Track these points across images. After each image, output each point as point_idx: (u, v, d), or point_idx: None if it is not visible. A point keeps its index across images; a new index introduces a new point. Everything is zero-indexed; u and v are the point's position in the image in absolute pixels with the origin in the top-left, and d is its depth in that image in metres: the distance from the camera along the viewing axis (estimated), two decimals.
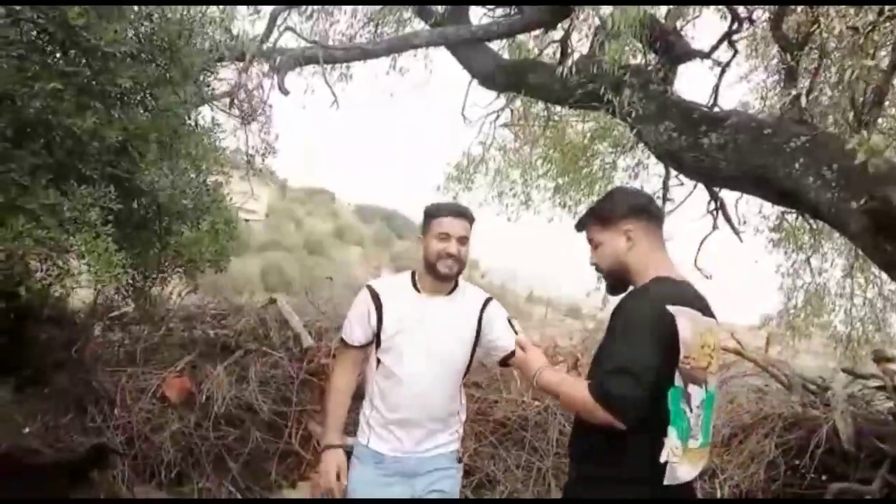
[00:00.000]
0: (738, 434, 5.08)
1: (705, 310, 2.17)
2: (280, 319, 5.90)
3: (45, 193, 2.19)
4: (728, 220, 6.94)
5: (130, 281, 3.50)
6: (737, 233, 6.97)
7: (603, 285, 2.54)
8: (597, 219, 2.35)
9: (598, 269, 2.37)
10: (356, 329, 2.83)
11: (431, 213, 2.80)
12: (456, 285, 2.82)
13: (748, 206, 6.93)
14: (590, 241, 2.37)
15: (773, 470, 4.69)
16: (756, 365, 5.59)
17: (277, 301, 6.06)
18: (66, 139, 2.30)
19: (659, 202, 7.40)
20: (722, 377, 5.97)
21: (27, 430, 4.26)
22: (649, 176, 7.60)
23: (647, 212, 2.33)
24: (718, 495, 4.67)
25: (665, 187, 7.22)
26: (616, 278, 2.32)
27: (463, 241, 2.73)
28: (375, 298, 2.79)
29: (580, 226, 2.43)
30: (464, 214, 2.80)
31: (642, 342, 2.01)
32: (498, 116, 7.97)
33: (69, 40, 2.24)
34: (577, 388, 2.09)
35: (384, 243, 37.80)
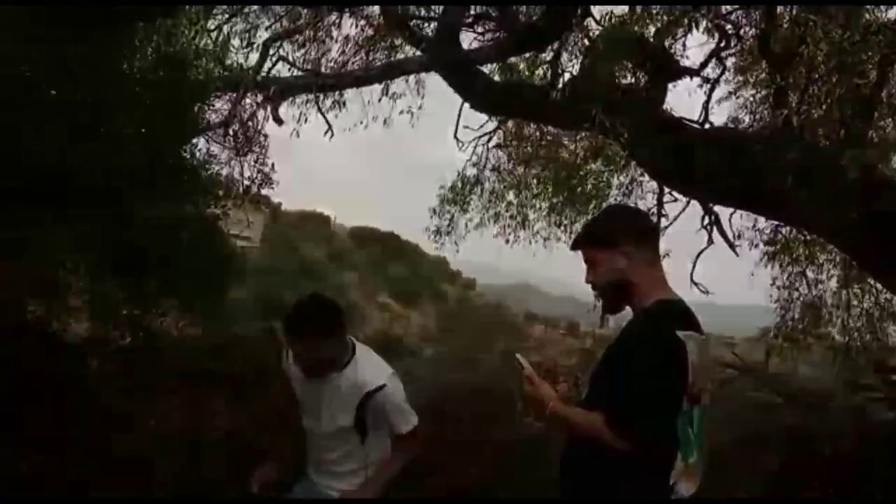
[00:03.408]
0: (738, 449, 5.05)
1: (699, 328, 2.17)
2: (279, 349, 5.87)
3: (41, 232, 2.19)
4: (723, 234, 6.97)
5: (130, 314, 3.49)
6: (732, 247, 7.00)
7: (599, 304, 2.50)
8: (594, 238, 2.31)
9: (594, 288, 2.33)
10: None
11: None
12: (353, 356, 2.78)
13: (742, 221, 6.97)
14: (586, 260, 2.32)
15: (776, 484, 4.66)
16: (757, 379, 5.58)
17: (276, 331, 6.03)
18: (62, 177, 2.31)
19: (654, 218, 7.47)
20: (724, 393, 5.98)
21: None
22: (643, 193, 7.66)
23: (644, 230, 2.32)
24: None
25: (659, 203, 7.26)
26: (614, 297, 2.29)
27: (308, 352, 2.66)
28: (286, 355, 2.89)
29: (576, 245, 2.41)
30: (300, 333, 2.66)
31: (660, 372, 2.00)
32: (490, 138, 8.03)
33: (66, 78, 2.25)
34: (593, 422, 2.07)
35: (380, 267, 37.71)
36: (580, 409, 2.22)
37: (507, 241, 8.19)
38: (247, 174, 4.68)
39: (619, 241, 2.25)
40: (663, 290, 2.22)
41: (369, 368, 2.75)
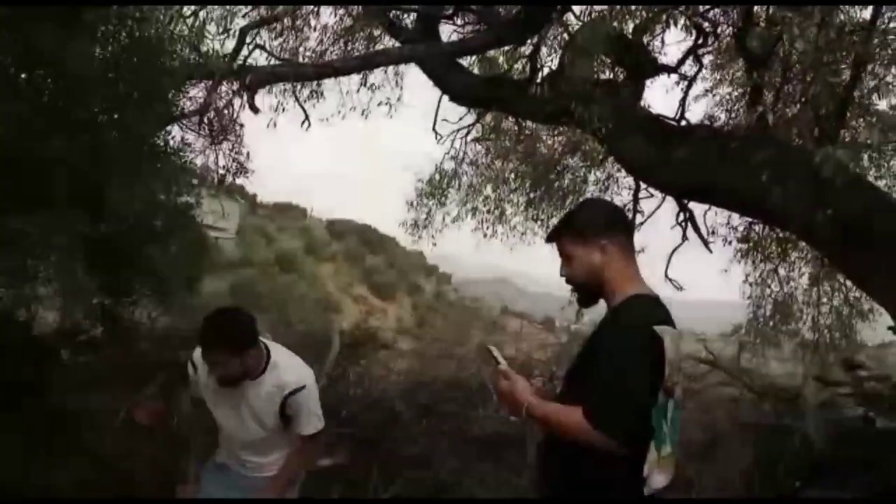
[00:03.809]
0: (713, 443, 5.12)
1: (672, 321, 2.18)
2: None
3: (7, 219, 2.13)
4: (697, 231, 7.03)
5: (102, 303, 3.43)
6: (706, 244, 7.07)
7: (575, 298, 2.50)
8: (570, 232, 2.30)
9: (568, 282, 2.33)
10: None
11: None
12: (268, 361, 2.83)
13: (717, 218, 7.04)
14: (561, 253, 2.32)
15: (749, 478, 4.73)
16: (729, 375, 5.66)
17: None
18: (31, 164, 2.25)
19: (630, 214, 7.53)
20: (697, 387, 6.05)
21: None
22: (620, 189, 7.70)
23: (620, 225, 2.33)
24: None
25: (635, 199, 7.30)
26: (588, 291, 2.29)
27: (222, 366, 2.71)
28: (193, 366, 2.94)
29: (552, 238, 2.40)
30: (212, 348, 2.71)
31: (636, 367, 2.01)
32: (469, 131, 8.01)
33: (35, 62, 2.19)
34: (571, 416, 2.06)
35: (357, 259, 37.62)
36: (556, 404, 2.23)
37: (485, 236, 8.19)
38: (221, 163, 4.63)
39: (595, 235, 2.25)
40: (638, 285, 2.23)
41: (290, 370, 2.82)
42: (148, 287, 3.46)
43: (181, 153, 3.29)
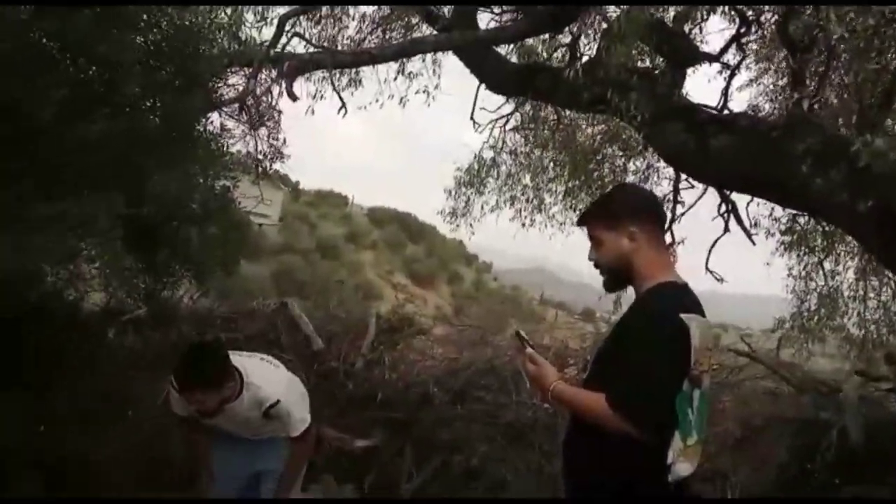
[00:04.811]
0: (749, 436, 5.06)
1: (702, 311, 2.18)
2: (291, 323, 5.96)
3: (50, 203, 2.23)
4: (740, 222, 6.89)
5: (141, 284, 3.56)
6: (749, 236, 6.92)
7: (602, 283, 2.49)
8: (601, 216, 2.31)
9: (596, 266, 2.33)
10: None
11: None
12: (241, 388, 2.96)
13: (759, 209, 6.88)
14: (591, 237, 2.33)
15: (785, 472, 4.66)
16: (767, 368, 5.56)
17: (288, 304, 6.10)
18: (74, 147, 2.35)
19: (669, 205, 7.43)
20: (735, 380, 5.97)
21: (42, 428, 4.33)
22: (660, 179, 7.58)
23: (652, 212, 2.32)
24: (730, 496, 4.65)
25: (676, 190, 7.20)
26: (616, 277, 2.30)
27: (201, 402, 2.84)
28: (174, 388, 3.05)
29: (582, 221, 2.40)
30: (189, 387, 2.84)
31: (662, 354, 2.02)
32: (507, 120, 7.98)
33: (79, 48, 2.28)
34: (594, 402, 2.08)
35: (397, 247, 37.85)
36: (582, 389, 2.24)
37: (523, 225, 8.17)
38: (260, 149, 4.72)
39: (626, 221, 2.25)
40: (667, 273, 2.23)
41: (264, 387, 2.97)
42: (186, 269, 3.58)
43: (220, 139, 3.38)
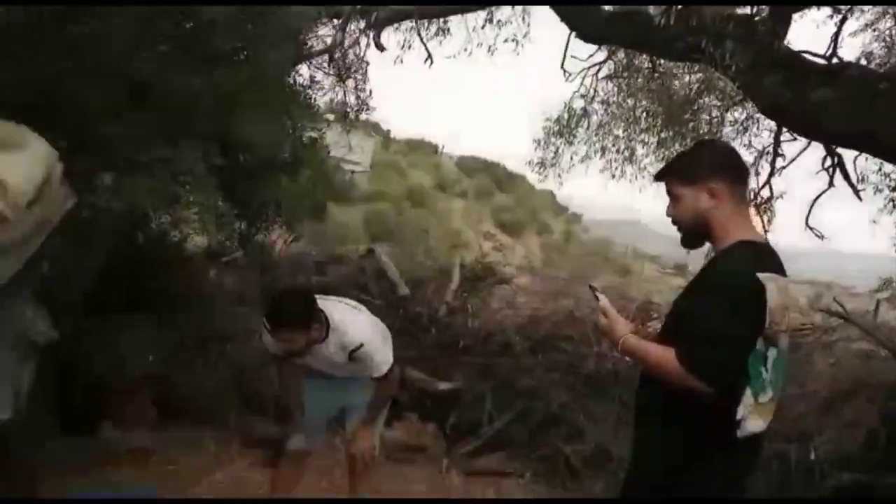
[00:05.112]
0: (838, 399, 4.89)
1: (783, 270, 2.13)
2: (378, 269, 6.17)
3: (157, 150, 2.42)
4: (846, 177, 6.50)
5: (236, 229, 3.78)
6: (856, 192, 6.52)
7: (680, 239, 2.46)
8: (680, 172, 2.27)
9: (674, 222, 2.29)
10: None
11: None
12: (327, 331, 3.11)
13: (867, 164, 6.45)
14: (669, 193, 2.28)
15: (873, 438, 4.50)
16: (862, 330, 5.32)
17: (375, 251, 6.30)
18: (174, 99, 2.51)
19: (769, 158, 7.10)
20: (826, 340, 5.75)
21: (151, 358, 4.72)
22: (760, 130, 7.22)
23: (733, 169, 2.25)
24: (813, 458, 4.54)
25: (776, 142, 6.87)
26: (693, 234, 2.27)
27: (291, 342, 3.00)
28: (266, 329, 3.20)
29: (661, 177, 2.35)
30: (280, 328, 2.98)
31: (735, 312, 2.00)
32: (599, 69, 7.78)
33: (177, 6, 2.42)
34: (664, 357, 2.09)
35: (486, 196, 37.82)
36: (652, 343, 2.25)
37: (613, 176, 8.04)
38: (350, 100, 4.83)
39: (704, 177, 2.21)
40: (746, 231, 2.19)
41: (349, 332, 3.12)
42: (278, 215, 3.77)
43: (309, 90, 3.50)
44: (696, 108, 7.50)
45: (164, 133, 2.53)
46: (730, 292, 2.04)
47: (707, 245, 2.37)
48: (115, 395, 4.68)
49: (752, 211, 7.69)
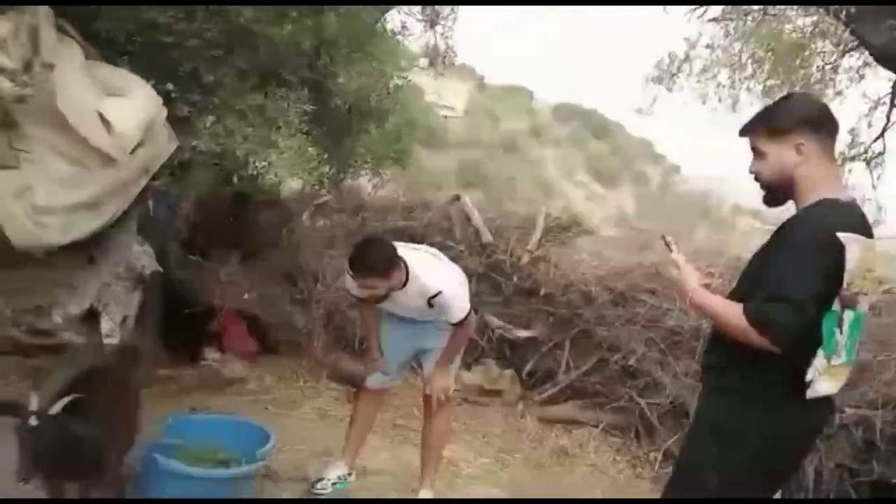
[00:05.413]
0: None
1: (868, 231, 2.05)
2: (464, 215, 6.23)
3: (252, 96, 2.54)
4: None
5: (326, 173, 3.92)
6: None
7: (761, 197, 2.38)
8: (765, 126, 2.17)
9: (757, 179, 2.22)
10: None
11: None
12: (407, 278, 3.22)
13: None
14: (754, 148, 2.20)
15: None
16: None
17: (461, 197, 6.36)
18: (267, 46, 2.62)
19: (885, 109, 6.62)
20: None
21: (246, 295, 5.03)
22: (877, 79, 6.72)
23: (822, 124, 2.15)
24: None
25: (894, 93, 6.38)
26: (777, 191, 2.19)
27: (372, 289, 3.16)
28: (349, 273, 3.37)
29: (746, 131, 2.25)
30: (363, 275, 3.14)
31: (808, 270, 1.94)
32: (705, 11, 7.39)
33: None
34: (732, 312, 2.05)
35: (580, 144, 36.94)
36: (721, 298, 2.22)
37: (715, 126, 7.70)
38: (441, 46, 4.83)
39: (792, 132, 2.12)
40: (832, 190, 2.11)
41: (427, 280, 3.23)
42: (365, 161, 3.88)
43: (399, 36, 3.54)
44: (808, 53, 7.04)
45: (259, 79, 2.66)
46: (805, 250, 1.98)
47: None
48: (216, 327, 5.05)
49: (863, 165, 7.26)
